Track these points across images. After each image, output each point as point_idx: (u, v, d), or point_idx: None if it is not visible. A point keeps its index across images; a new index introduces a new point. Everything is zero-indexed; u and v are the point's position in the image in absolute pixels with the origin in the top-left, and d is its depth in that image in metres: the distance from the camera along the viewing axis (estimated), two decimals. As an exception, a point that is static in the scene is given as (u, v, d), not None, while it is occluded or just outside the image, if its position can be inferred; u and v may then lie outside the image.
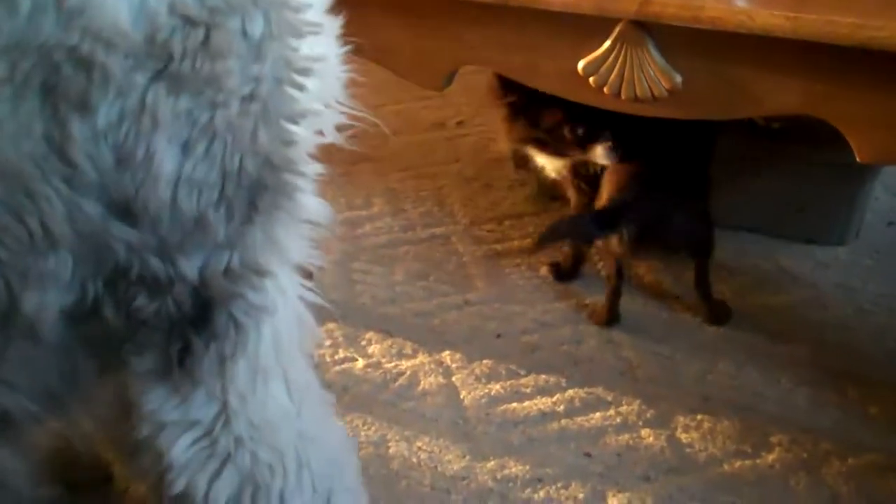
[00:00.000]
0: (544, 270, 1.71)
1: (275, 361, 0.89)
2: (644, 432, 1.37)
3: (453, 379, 1.48)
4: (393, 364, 1.51)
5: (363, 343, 1.55)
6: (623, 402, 1.42)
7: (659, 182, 1.47)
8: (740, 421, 1.38)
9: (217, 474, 0.89)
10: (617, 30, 1.15)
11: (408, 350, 1.53)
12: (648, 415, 1.40)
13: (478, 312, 1.62)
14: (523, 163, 1.89)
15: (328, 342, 1.55)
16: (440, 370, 1.49)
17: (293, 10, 0.79)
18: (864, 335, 1.55)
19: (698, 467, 1.31)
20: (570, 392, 1.45)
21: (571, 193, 1.65)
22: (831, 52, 1.04)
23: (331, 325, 1.59)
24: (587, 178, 1.60)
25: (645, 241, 1.48)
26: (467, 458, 1.33)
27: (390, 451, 1.34)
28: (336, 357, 1.52)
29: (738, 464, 1.32)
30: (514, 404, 1.43)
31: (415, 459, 1.33)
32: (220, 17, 0.73)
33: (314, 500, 0.96)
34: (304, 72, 0.80)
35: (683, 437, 1.36)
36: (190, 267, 0.77)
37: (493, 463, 1.32)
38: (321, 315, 1.59)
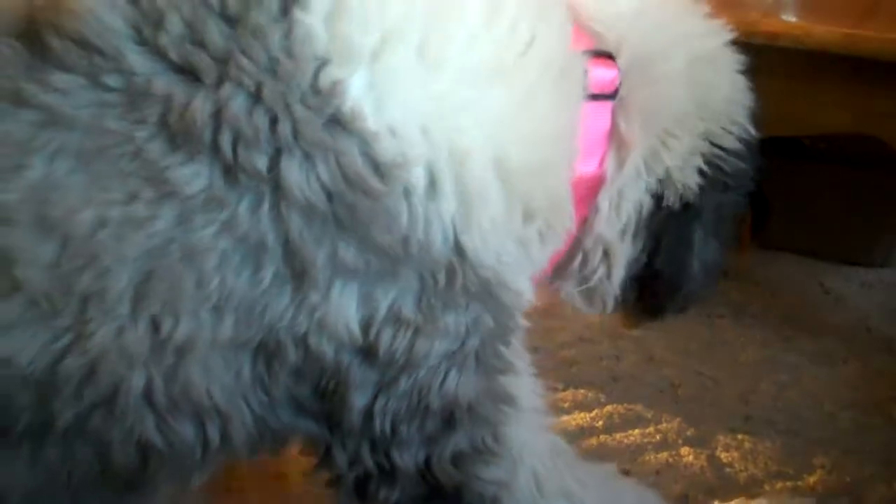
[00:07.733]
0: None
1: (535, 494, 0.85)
2: (684, 451, 1.35)
3: (491, 391, 1.47)
4: (431, 374, 1.50)
5: (401, 353, 1.55)
6: (663, 420, 1.41)
7: None
8: (782, 442, 1.36)
9: None
10: (669, 43, 1.14)
11: (446, 361, 1.53)
12: (688, 433, 1.38)
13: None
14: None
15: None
16: (478, 382, 1.48)
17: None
18: (909, 358, 1.53)
19: (738, 487, 1.29)
20: (609, 408, 1.43)
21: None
22: (889, 70, 1.03)
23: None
24: None
25: None
26: (505, 470, 1.32)
27: (427, 461, 1.33)
28: (374, 366, 1.52)
29: (779, 485, 1.30)
30: (552, 419, 1.41)
31: (452, 470, 1.32)
32: (431, 324, 0.72)
33: None
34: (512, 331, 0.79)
35: (724, 456, 1.34)
36: (405, 460, 0.75)
37: (530, 477, 1.31)
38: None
